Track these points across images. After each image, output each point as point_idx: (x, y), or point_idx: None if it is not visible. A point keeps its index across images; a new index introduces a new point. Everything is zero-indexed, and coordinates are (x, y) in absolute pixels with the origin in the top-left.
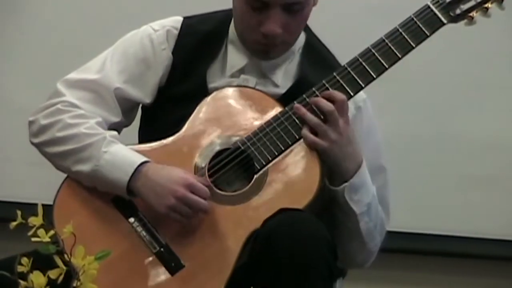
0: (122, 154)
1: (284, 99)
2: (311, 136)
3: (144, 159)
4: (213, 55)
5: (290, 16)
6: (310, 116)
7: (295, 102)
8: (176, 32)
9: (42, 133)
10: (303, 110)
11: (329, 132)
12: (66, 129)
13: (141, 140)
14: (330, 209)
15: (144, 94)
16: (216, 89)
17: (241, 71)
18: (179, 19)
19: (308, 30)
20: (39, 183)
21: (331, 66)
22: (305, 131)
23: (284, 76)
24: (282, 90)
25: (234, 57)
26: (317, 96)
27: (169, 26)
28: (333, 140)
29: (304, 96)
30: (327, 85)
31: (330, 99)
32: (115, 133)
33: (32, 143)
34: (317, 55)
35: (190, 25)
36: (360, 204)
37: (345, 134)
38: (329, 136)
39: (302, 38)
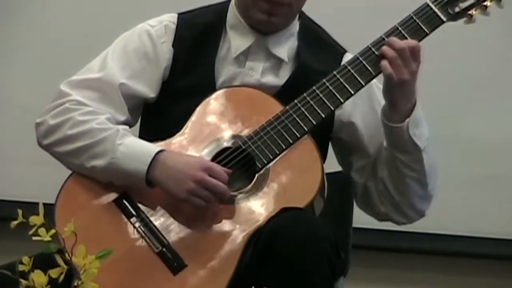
0: (138, 145)
1: (286, 88)
2: (390, 67)
3: (159, 148)
4: (215, 45)
5: None
6: (391, 51)
7: (295, 100)
8: (173, 26)
9: (52, 133)
10: (384, 47)
11: (404, 70)
12: (78, 126)
13: (143, 138)
14: (392, 155)
15: (149, 89)
16: (224, 81)
17: (246, 53)
18: (174, 14)
19: (302, 14)
20: (40, 182)
21: (328, 45)
22: (385, 62)
23: (288, 51)
24: (283, 79)
25: (238, 40)
26: (317, 94)
27: (166, 21)
28: (404, 79)
29: (304, 94)
30: (327, 84)
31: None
32: (126, 127)
33: (41, 145)
34: (313, 36)
35: (186, 19)
36: (422, 139)
37: (416, 75)
38: (402, 73)
39: (297, 22)
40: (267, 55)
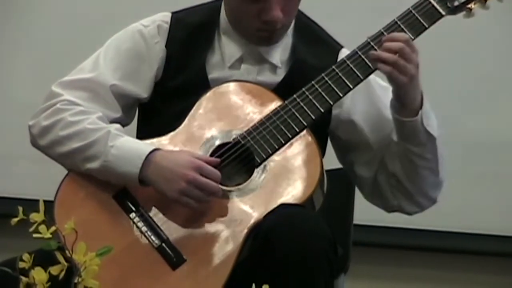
0: (129, 147)
1: (283, 85)
2: (389, 68)
3: (151, 148)
4: (208, 46)
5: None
6: (387, 55)
7: (294, 95)
8: (166, 26)
9: (45, 134)
10: (377, 52)
11: (408, 67)
12: (69, 127)
13: (140, 137)
14: (406, 150)
15: (141, 89)
16: (217, 80)
17: (240, 59)
18: (167, 14)
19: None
20: (40, 179)
21: (324, 41)
22: (382, 65)
23: (281, 56)
24: (280, 76)
25: (230, 47)
26: (316, 89)
27: (159, 21)
28: (412, 75)
29: (303, 89)
30: (326, 78)
31: (393, 41)
32: (118, 125)
33: (36, 147)
34: (308, 32)
35: (179, 18)
36: (435, 128)
37: (418, 68)
38: (409, 71)
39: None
40: (261, 59)
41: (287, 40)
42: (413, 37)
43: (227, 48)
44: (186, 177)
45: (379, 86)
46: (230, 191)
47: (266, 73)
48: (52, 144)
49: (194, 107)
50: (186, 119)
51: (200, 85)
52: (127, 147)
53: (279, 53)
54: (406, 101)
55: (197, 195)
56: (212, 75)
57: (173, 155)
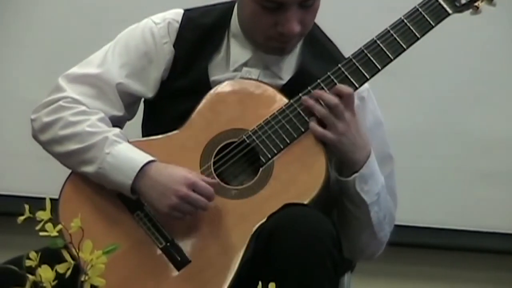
0: (124, 156)
1: (285, 90)
2: (320, 129)
3: (147, 159)
4: (215, 49)
5: (305, 11)
6: (318, 108)
7: (300, 94)
8: (177, 25)
9: (45, 131)
10: (311, 101)
11: (337, 124)
12: (69, 127)
13: (145, 134)
14: (340, 201)
15: (147, 89)
16: (219, 82)
17: (244, 64)
18: (180, 11)
19: None
20: (47, 177)
21: (332, 55)
22: (313, 124)
23: (285, 67)
24: (283, 81)
25: (237, 51)
26: (322, 88)
27: (170, 19)
28: (341, 132)
29: (309, 88)
30: (332, 77)
31: (337, 94)
32: (117, 130)
33: (36, 141)
34: (317, 45)
35: (191, 18)
36: (370, 194)
37: (353, 125)
38: (337, 128)
39: None
40: (265, 67)
41: (295, 50)
42: (419, 36)
43: (233, 52)
44: (177, 193)
45: (373, 119)
46: (235, 190)
47: (267, 79)
48: (51, 142)
49: (200, 105)
50: (192, 117)
51: (202, 87)
52: (123, 156)
53: (285, 64)
54: (340, 158)
55: (188, 210)
56: (214, 77)
57: (168, 170)
